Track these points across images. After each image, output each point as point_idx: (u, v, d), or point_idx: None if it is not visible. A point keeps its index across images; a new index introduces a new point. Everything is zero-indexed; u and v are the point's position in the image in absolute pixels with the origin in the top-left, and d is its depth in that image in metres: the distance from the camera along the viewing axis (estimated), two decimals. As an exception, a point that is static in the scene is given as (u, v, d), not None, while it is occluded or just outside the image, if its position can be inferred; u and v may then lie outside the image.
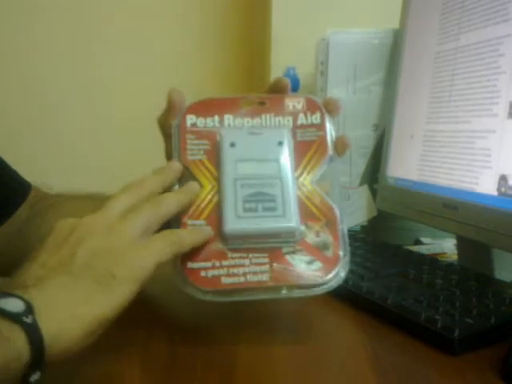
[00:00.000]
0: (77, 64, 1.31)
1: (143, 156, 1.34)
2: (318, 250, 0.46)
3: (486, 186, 0.61)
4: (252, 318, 0.54)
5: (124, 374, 0.43)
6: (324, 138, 0.51)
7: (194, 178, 0.49)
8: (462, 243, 0.72)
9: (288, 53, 1.11)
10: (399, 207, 0.81)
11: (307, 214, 0.48)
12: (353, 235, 0.80)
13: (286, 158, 0.49)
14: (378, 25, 0.92)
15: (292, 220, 0.46)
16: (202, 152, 0.50)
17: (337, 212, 0.48)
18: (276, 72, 1.09)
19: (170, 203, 0.46)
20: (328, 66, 0.90)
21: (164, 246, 0.42)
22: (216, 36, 1.35)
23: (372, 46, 0.89)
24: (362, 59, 0.89)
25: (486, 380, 0.42)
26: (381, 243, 0.76)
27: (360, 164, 0.90)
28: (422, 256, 0.71)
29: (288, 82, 0.54)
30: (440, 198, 0.69)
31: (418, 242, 0.88)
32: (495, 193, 0.60)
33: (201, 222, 0.47)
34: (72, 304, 0.37)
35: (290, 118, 0.52)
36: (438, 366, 0.44)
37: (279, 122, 0.52)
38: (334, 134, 0.51)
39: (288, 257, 0.46)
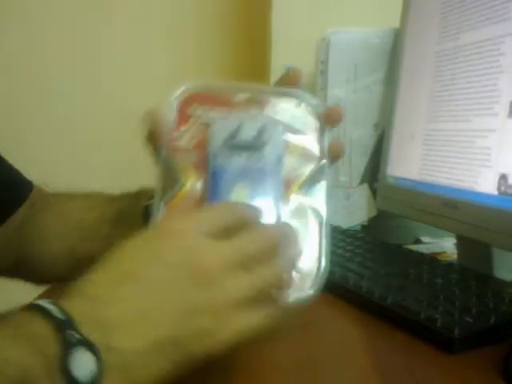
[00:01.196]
0: (80, 63, 1.31)
1: (143, 156, 1.35)
2: None
3: (486, 185, 0.61)
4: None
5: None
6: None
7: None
8: (462, 242, 0.72)
9: (288, 52, 1.11)
10: (399, 206, 0.81)
11: None
12: (353, 234, 0.80)
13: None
14: (378, 24, 0.92)
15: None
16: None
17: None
18: (276, 71, 1.09)
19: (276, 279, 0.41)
20: (328, 66, 0.90)
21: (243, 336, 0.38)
22: (216, 35, 1.35)
23: (372, 45, 0.89)
24: (362, 58, 0.89)
25: (486, 379, 0.42)
26: (381, 242, 0.76)
27: (360, 163, 0.90)
28: (421, 255, 0.71)
29: (300, 74, 0.51)
30: (440, 197, 0.69)
31: (417, 241, 0.88)
32: (495, 192, 0.60)
33: None
34: (142, 380, 0.34)
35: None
36: (438, 364, 0.44)
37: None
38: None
39: None
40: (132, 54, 1.32)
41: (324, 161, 0.49)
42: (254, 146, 0.48)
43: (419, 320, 0.48)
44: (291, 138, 0.50)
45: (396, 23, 0.85)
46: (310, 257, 0.46)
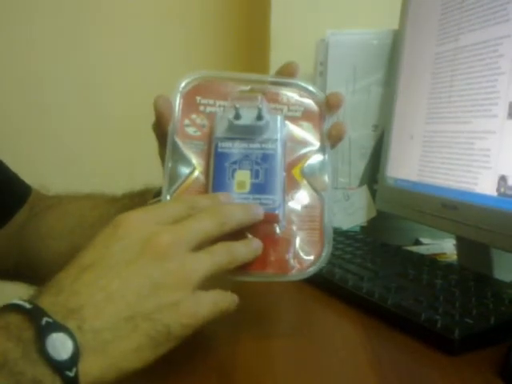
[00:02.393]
0: (75, 65, 1.31)
1: (142, 156, 1.35)
2: None
3: (485, 186, 0.62)
4: (251, 318, 0.54)
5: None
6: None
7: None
8: (462, 243, 0.72)
9: (287, 53, 1.10)
10: (399, 208, 0.81)
11: None
12: (352, 236, 0.80)
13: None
14: (377, 25, 0.92)
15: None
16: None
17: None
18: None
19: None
20: (327, 67, 0.90)
21: (215, 311, 0.41)
22: (215, 36, 1.35)
23: (371, 46, 0.89)
24: (361, 60, 0.89)
25: (486, 380, 0.42)
26: (380, 244, 0.76)
27: (359, 164, 0.90)
28: (421, 256, 0.71)
29: (297, 66, 0.53)
30: (439, 198, 0.69)
31: (417, 243, 0.88)
32: (495, 193, 0.60)
33: None
34: (119, 356, 0.36)
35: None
36: (438, 366, 0.44)
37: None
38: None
39: None
40: (131, 53, 1.32)
41: (325, 145, 0.51)
42: (254, 131, 0.49)
43: (419, 321, 0.48)
44: (292, 123, 0.51)
45: (395, 25, 0.85)
46: (313, 240, 0.47)
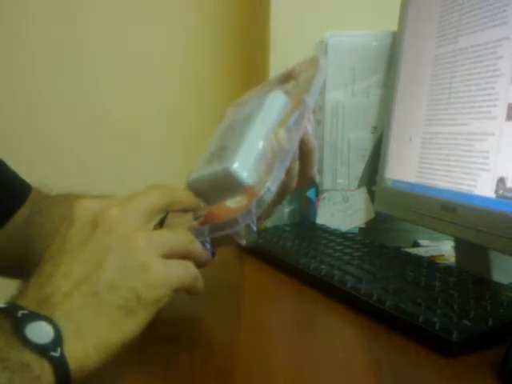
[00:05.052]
0: (75, 65, 1.31)
1: (141, 157, 1.35)
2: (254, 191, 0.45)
3: (484, 188, 0.62)
4: (250, 320, 0.54)
5: (122, 375, 0.43)
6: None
7: None
8: (460, 245, 0.72)
9: (286, 55, 1.11)
10: (397, 209, 0.81)
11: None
12: (351, 237, 0.80)
13: (263, 111, 0.48)
14: (376, 27, 0.92)
15: (232, 163, 0.44)
16: None
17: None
18: (274, 74, 1.10)
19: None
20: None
21: (183, 276, 0.42)
22: (214, 38, 1.35)
23: (370, 48, 0.89)
24: (360, 61, 0.89)
25: (484, 382, 0.42)
26: (379, 245, 0.76)
27: (358, 166, 0.90)
28: (420, 258, 0.71)
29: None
30: (438, 200, 0.69)
31: (416, 244, 0.88)
32: (493, 195, 0.60)
33: None
34: (98, 332, 0.37)
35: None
36: (436, 368, 0.44)
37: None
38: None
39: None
40: (130, 54, 1.32)
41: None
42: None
43: (417, 323, 0.48)
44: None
45: (394, 26, 0.86)
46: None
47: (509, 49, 0.59)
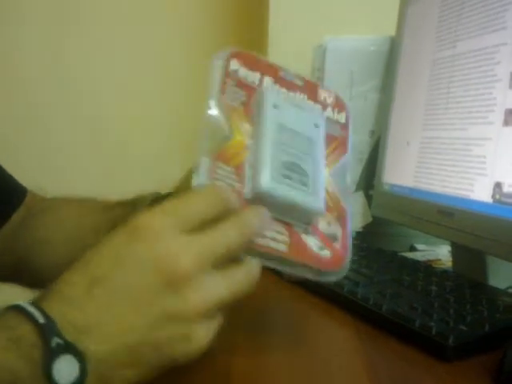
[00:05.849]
0: (69, 66, 1.31)
1: (139, 160, 1.35)
2: (328, 240, 0.46)
3: (481, 193, 0.62)
4: (247, 326, 0.54)
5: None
6: (345, 138, 0.52)
7: (228, 125, 0.46)
8: (457, 250, 0.72)
9: (285, 59, 1.10)
10: (394, 213, 0.81)
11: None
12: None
13: (320, 140, 0.49)
14: (374, 32, 0.92)
15: (321, 202, 0.45)
16: (239, 102, 0.47)
17: (347, 209, 0.48)
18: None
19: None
20: (324, 73, 0.90)
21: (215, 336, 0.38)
22: (213, 42, 1.35)
23: (368, 52, 0.89)
24: (358, 66, 0.89)
25: (480, 387, 0.42)
26: (376, 249, 0.76)
27: (356, 170, 0.90)
28: (416, 263, 0.71)
29: None
30: (435, 204, 0.69)
31: (412, 249, 0.88)
32: (490, 200, 0.60)
33: (229, 168, 0.44)
34: (121, 382, 0.35)
35: (320, 107, 0.51)
36: (432, 372, 0.44)
37: (311, 106, 0.51)
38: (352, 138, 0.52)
39: (303, 236, 0.45)
40: (128, 56, 1.32)
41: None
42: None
43: (414, 328, 0.48)
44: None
45: (392, 31, 0.86)
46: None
47: (506, 54, 0.60)
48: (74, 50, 1.31)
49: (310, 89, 0.52)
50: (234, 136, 0.45)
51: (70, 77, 1.31)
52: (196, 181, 0.42)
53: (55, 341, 0.32)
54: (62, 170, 1.31)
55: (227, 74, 0.48)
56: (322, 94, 0.52)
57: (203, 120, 0.46)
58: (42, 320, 0.33)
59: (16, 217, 0.66)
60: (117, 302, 0.35)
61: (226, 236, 0.38)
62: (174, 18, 1.34)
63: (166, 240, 0.36)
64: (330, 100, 0.52)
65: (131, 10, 1.32)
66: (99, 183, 1.25)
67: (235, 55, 0.50)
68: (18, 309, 0.34)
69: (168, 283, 0.35)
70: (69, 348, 0.33)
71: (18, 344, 0.33)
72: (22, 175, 0.70)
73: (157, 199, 0.61)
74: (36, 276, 0.64)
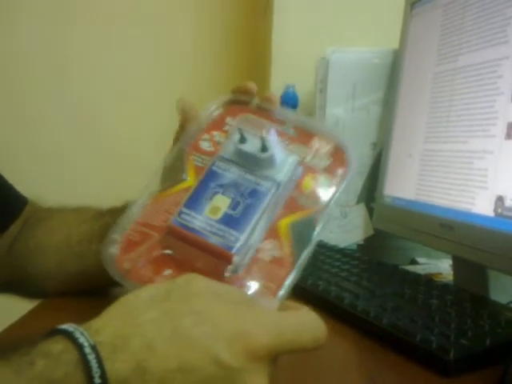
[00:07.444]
0: (69, 66, 1.31)
1: (136, 165, 1.34)
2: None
3: (482, 206, 0.61)
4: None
5: None
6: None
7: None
8: (458, 264, 0.72)
9: (288, 71, 1.12)
10: (396, 226, 0.80)
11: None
12: (349, 254, 0.80)
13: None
14: (377, 45, 0.93)
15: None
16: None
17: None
18: (276, 90, 1.10)
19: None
20: (327, 85, 0.91)
21: None
22: (216, 54, 1.36)
23: (371, 65, 0.90)
24: (361, 78, 0.89)
25: (481, 402, 0.42)
26: (377, 262, 0.76)
27: (357, 182, 0.90)
28: (417, 276, 0.70)
29: (254, 86, 0.52)
30: (436, 217, 0.69)
31: (413, 262, 0.87)
32: (492, 214, 0.60)
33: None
34: None
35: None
36: (433, 387, 0.44)
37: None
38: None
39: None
40: (128, 61, 1.33)
41: (325, 211, 0.45)
42: (256, 162, 0.45)
43: (414, 341, 0.48)
44: (308, 173, 0.47)
45: (395, 44, 0.86)
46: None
47: (509, 68, 0.60)
48: (74, 50, 1.31)
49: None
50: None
51: (70, 77, 1.31)
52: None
53: None
54: (61, 170, 1.31)
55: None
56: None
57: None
58: (96, 371, 0.30)
59: (15, 227, 0.66)
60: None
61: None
62: (175, 23, 1.34)
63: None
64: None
65: (131, 11, 1.32)
66: (97, 186, 1.24)
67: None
68: (68, 338, 0.31)
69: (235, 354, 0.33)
70: None
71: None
72: (19, 179, 0.70)
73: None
74: (31, 286, 0.64)
